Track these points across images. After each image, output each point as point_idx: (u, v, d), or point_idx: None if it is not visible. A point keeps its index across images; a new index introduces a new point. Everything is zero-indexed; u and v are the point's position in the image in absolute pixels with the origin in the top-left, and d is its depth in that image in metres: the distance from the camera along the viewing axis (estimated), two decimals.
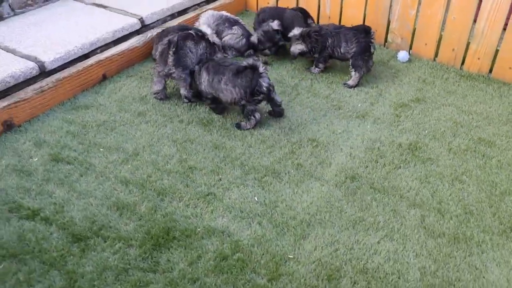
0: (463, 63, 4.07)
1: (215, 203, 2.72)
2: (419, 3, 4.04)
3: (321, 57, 3.89)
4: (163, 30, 3.89)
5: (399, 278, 2.35)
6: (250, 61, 3.17)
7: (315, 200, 2.77)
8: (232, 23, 4.03)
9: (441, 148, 3.19)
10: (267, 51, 4.14)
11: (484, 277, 2.37)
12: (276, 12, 4.18)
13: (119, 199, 2.71)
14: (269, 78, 3.24)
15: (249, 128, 3.28)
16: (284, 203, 2.74)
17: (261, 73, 3.17)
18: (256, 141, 3.19)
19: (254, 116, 3.26)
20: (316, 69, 3.97)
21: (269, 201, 2.75)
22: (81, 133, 3.20)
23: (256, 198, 2.76)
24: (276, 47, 4.09)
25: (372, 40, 3.75)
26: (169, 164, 2.98)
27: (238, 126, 3.30)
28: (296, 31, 3.89)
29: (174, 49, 3.39)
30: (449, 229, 2.62)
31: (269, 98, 3.31)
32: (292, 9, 4.29)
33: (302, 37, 3.85)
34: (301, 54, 3.94)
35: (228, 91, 3.23)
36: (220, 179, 2.88)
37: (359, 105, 3.60)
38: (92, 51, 3.67)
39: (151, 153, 3.05)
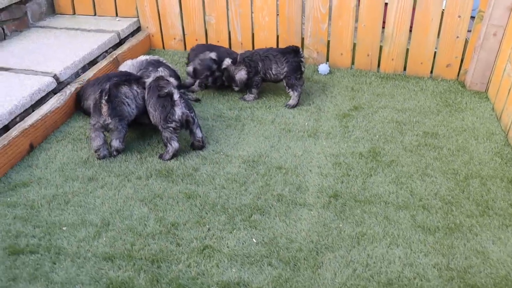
0: (379, 65, 4.36)
1: (216, 255, 2.54)
2: (329, 17, 4.24)
3: (254, 82, 3.88)
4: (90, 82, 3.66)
5: (421, 280, 2.40)
6: (168, 88, 3.22)
7: (311, 226, 2.72)
8: (156, 65, 3.82)
9: (397, 148, 3.36)
10: (195, 87, 4.05)
11: (489, 258, 2.52)
12: (210, 47, 4.13)
13: (110, 278, 2.39)
14: (187, 108, 3.25)
15: (168, 159, 3.25)
16: (283, 237, 2.65)
17: (175, 101, 3.20)
18: (226, 181, 3.06)
19: (170, 144, 3.24)
20: (251, 95, 3.94)
21: (268, 239, 2.64)
22: (32, 215, 2.78)
23: (254, 240, 2.63)
24: (213, 77, 3.97)
25: (302, 59, 3.82)
26: (148, 226, 2.71)
27: (160, 156, 3.27)
28: (228, 60, 3.89)
29: (106, 97, 3.14)
30: (439, 222, 2.75)
31: (189, 130, 3.33)
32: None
33: (244, 62, 3.83)
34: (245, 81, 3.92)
35: (151, 114, 3.32)
36: (209, 229, 2.70)
37: (305, 124, 3.64)
38: (11, 121, 3.23)
39: (123, 219, 2.76)
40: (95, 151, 3.25)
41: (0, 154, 3.02)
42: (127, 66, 3.79)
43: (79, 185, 3.02)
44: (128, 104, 3.29)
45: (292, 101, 3.86)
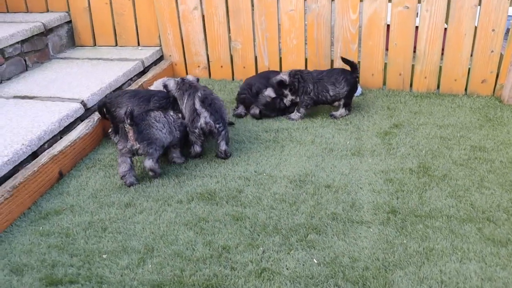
0: (411, 85, 4.25)
1: (276, 278, 2.31)
2: (359, 37, 4.16)
3: (304, 103, 3.78)
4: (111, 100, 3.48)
5: None
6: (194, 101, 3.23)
7: (374, 244, 2.51)
8: None
9: (447, 163, 3.18)
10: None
11: None
12: (262, 77, 4.05)
13: None
14: (212, 119, 3.22)
15: (194, 155, 3.35)
16: (346, 256, 2.43)
17: (196, 109, 3.21)
18: (275, 201, 2.86)
19: (193, 147, 3.33)
20: (298, 114, 3.82)
21: (330, 258, 2.42)
22: (68, 243, 2.56)
23: (315, 260, 2.41)
24: (281, 109, 3.92)
25: (358, 75, 3.85)
26: (197, 251, 2.49)
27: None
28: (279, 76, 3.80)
29: (129, 121, 2.91)
30: (509, 234, 2.54)
31: (215, 140, 3.33)
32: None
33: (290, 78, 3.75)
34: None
35: (185, 114, 3.35)
36: (264, 252, 2.48)
37: (347, 143, 3.47)
38: (40, 147, 3.05)
39: (169, 245, 2.53)
40: (121, 178, 3.05)
41: (30, 181, 2.83)
42: (159, 81, 3.64)
43: (116, 211, 2.81)
44: (159, 129, 3.08)
45: (338, 114, 3.85)
